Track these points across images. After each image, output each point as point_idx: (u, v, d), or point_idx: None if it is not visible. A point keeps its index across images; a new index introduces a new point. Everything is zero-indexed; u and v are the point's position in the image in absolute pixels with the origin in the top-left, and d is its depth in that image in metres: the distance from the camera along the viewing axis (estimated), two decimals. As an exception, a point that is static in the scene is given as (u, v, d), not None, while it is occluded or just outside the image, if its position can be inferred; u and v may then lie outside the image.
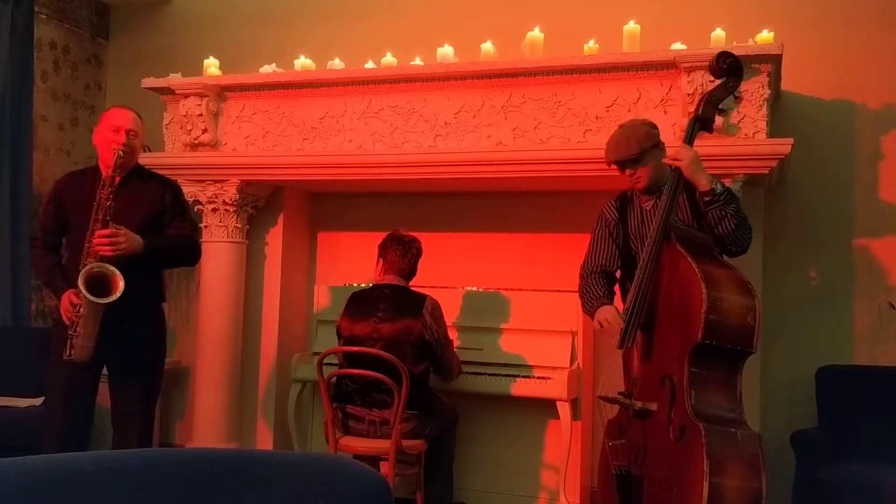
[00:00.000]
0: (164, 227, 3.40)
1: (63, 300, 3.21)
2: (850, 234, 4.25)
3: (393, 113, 4.21)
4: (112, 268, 3.08)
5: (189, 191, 4.56)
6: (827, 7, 4.32)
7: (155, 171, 3.77)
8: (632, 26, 3.94)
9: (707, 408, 2.72)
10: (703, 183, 2.98)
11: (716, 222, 2.97)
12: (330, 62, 4.52)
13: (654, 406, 2.85)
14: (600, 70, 3.86)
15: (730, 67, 3.05)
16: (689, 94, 3.62)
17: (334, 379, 3.79)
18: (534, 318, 4.14)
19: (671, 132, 3.68)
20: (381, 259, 3.90)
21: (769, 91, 3.65)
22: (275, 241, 4.78)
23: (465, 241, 4.64)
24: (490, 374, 4.09)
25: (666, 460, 2.77)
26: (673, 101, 3.77)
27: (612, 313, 3.07)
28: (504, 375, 4.07)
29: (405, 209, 4.71)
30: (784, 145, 3.58)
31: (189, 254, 3.51)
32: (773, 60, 3.64)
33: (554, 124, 3.94)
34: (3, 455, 1.62)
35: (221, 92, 4.51)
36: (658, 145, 3.12)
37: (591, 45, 4.03)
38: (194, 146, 4.53)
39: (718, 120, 3.37)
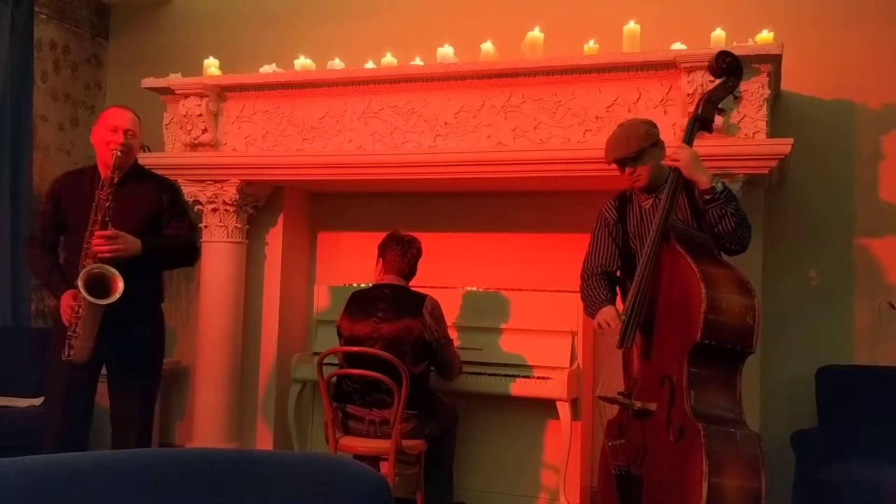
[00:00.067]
0: (163, 227, 3.39)
1: (62, 301, 3.21)
2: (850, 234, 4.25)
3: (393, 113, 4.21)
4: (112, 269, 3.08)
5: (189, 191, 4.57)
6: (827, 7, 4.32)
7: (154, 171, 3.77)
8: (632, 26, 3.94)
9: (706, 408, 2.72)
10: (703, 181, 2.98)
11: (715, 221, 2.98)
12: (330, 62, 4.52)
13: (653, 406, 2.85)
14: (600, 70, 3.86)
15: (729, 67, 3.06)
16: (689, 94, 3.62)
17: (334, 379, 3.79)
18: (534, 318, 4.14)
19: (671, 132, 3.67)
20: (380, 259, 3.90)
21: (769, 91, 3.65)
22: (275, 241, 4.78)
23: (465, 241, 4.64)
24: (490, 374, 4.09)
25: (665, 460, 2.78)
26: (673, 101, 3.77)
27: (612, 314, 3.07)
28: (504, 375, 4.07)
29: (405, 209, 4.71)
30: (784, 145, 3.58)
31: (187, 254, 3.51)
32: (772, 60, 3.64)
33: (554, 124, 3.94)
34: (3, 455, 1.62)
35: (221, 92, 4.51)
36: (658, 144, 3.13)
37: (591, 45, 4.03)
38: (194, 146, 4.53)
39: (718, 120, 3.37)
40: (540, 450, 4.20)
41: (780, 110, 4.25)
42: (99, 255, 3.10)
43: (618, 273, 3.28)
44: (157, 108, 4.69)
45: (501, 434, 4.25)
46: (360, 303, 3.82)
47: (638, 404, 2.90)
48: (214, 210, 4.56)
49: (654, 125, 3.18)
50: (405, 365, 3.54)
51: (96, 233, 3.12)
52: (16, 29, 4.91)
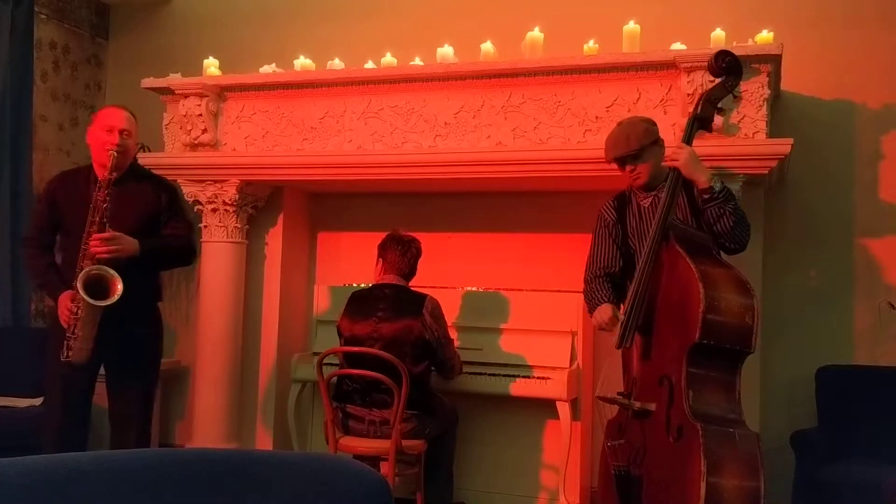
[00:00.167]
0: (161, 227, 3.39)
1: (60, 303, 3.20)
2: (850, 234, 4.25)
3: (393, 113, 4.21)
4: (111, 270, 3.07)
5: (189, 191, 4.57)
6: (827, 7, 4.32)
7: (154, 171, 3.77)
8: (632, 26, 3.94)
9: (705, 408, 2.73)
10: (702, 180, 2.99)
11: (714, 220, 2.98)
12: (330, 62, 4.52)
13: (652, 406, 2.85)
14: (600, 70, 3.86)
15: (728, 66, 3.06)
16: (688, 95, 3.62)
17: (334, 379, 3.79)
18: (533, 318, 4.14)
19: (671, 132, 3.67)
20: (380, 259, 3.90)
21: (769, 91, 3.65)
22: (275, 241, 4.77)
23: (465, 241, 4.64)
24: (490, 375, 4.09)
25: (664, 460, 2.78)
26: (673, 101, 3.77)
27: (608, 314, 3.07)
28: (504, 375, 4.07)
29: (405, 209, 4.71)
30: (784, 145, 3.58)
31: (185, 254, 3.50)
32: (772, 60, 3.64)
33: (554, 124, 3.94)
34: (3, 455, 1.62)
35: (221, 92, 4.51)
36: (657, 142, 3.13)
37: (590, 45, 4.03)
38: (194, 146, 4.53)
39: (718, 120, 3.37)
40: (540, 450, 4.20)
41: (780, 110, 4.25)
42: (97, 256, 3.09)
43: (619, 273, 3.28)
44: (157, 108, 4.69)
45: (501, 434, 4.25)
46: (360, 303, 3.82)
47: (637, 404, 2.91)
48: (214, 210, 4.56)
49: (653, 123, 3.18)
50: (405, 365, 3.54)
51: (94, 234, 3.11)
52: (16, 29, 4.91)
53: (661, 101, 3.79)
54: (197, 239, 4.01)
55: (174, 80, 4.50)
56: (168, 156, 4.61)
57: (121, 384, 3.36)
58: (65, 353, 3.10)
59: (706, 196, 2.99)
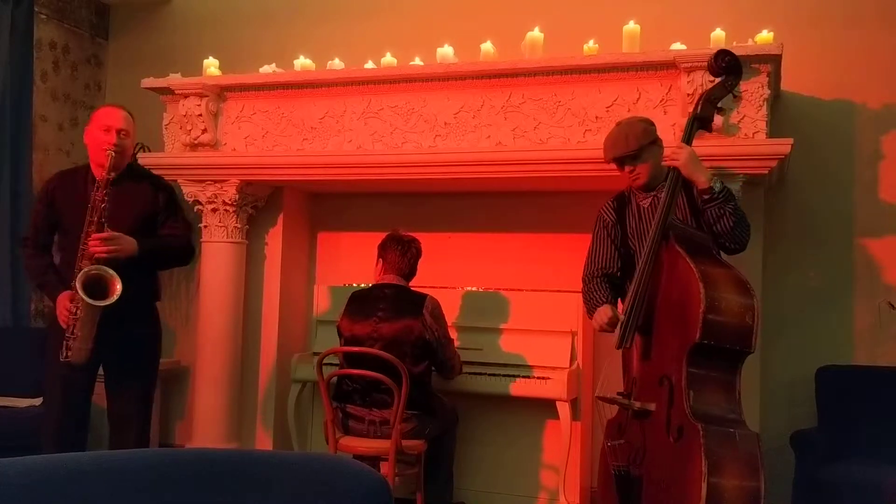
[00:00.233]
0: (159, 227, 3.39)
1: (58, 303, 3.20)
2: (850, 234, 4.25)
3: (393, 113, 4.21)
4: (110, 270, 3.07)
5: (189, 191, 4.58)
6: (827, 7, 4.32)
7: (154, 171, 3.76)
8: (631, 26, 3.94)
9: (705, 408, 2.72)
10: (701, 181, 2.98)
11: (714, 220, 2.98)
12: (330, 62, 4.52)
13: (652, 406, 2.85)
14: (600, 70, 3.86)
15: (728, 66, 3.06)
16: (688, 95, 3.62)
17: (334, 379, 3.79)
18: (533, 318, 4.14)
19: (671, 132, 3.68)
20: (380, 259, 3.90)
21: (769, 91, 3.65)
22: (274, 241, 4.77)
23: (465, 241, 4.64)
24: (490, 375, 4.09)
25: (665, 460, 2.78)
26: (673, 102, 3.77)
27: (608, 315, 3.06)
28: (504, 375, 4.07)
29: (405, 209, 4.71)
30: (784, 145, 3.58)
31: (183, 254, 3.50)
32: (772, 60, 3.64)
33: (554, 124, 3.94)
34: (3, 455, 1.62)
35: (221, 92, 4.51)
36: (656, 141, 3.13)
37: (590, 45, 4.03)
38: (194, 146, 4.53)
39: (718, 120, 3.37)
40: (540, 450, 4.20)
41: (780, 110, 4.25)
42: (96, 256, 3.09)
43: (618, 274, 3.28)
44: (157, 108, 4.69)
45: (501, 434, 4.25)
46: (360, 303, 3.82)
47: (637, 404, 2.90)
48: (214, 210, 4.56)
49: (651, 123, 3.18)
50: (405, 365, 3.54)
51: (93, 234, 3.11)
52: (16, 29, 4.91)
53: (661, 101, 3.79)
54: (195, 239, 4.01)
55: (174, 80, 4.50)
56: (168, 156, 4.61)
57: (120, 384, 3.35)
58: (64, 354, 3.10)
59: (706, 196, 2.98)
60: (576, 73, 3.90)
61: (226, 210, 4.55)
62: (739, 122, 3.65)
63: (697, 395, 2.73)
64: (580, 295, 3.38)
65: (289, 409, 4.48)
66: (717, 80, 3.12)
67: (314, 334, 4.62)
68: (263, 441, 4.67)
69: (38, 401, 4.20)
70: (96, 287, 3.06)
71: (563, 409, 3.94)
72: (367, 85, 4.25)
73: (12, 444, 3.20)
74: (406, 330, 3.67)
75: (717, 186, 2.99)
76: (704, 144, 3.39)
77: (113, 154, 3.20)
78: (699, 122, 3.09)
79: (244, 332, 4.66)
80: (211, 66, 4.64)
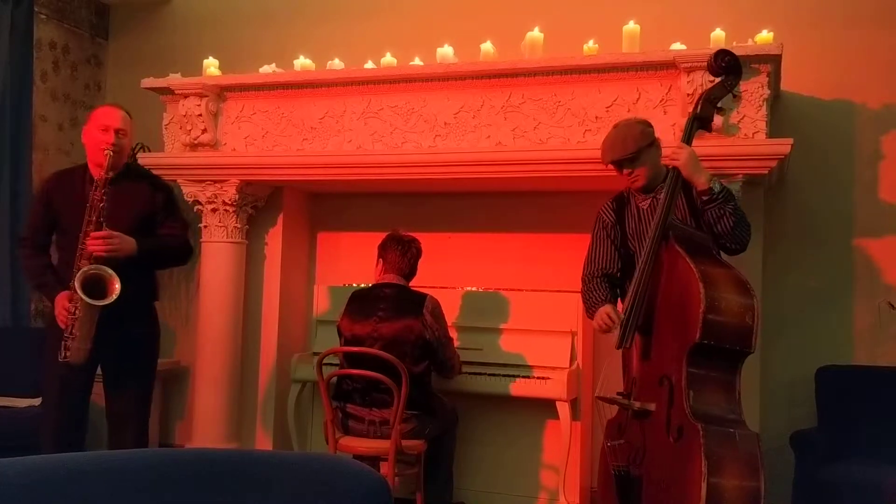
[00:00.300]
0: (157, 227, 3.39)
1: (56, 303, 3.19)
2: (850, 234, 4.25)
3: (392, 113, 4.21)
4: (108, 270, 3.06)
5: (189, 191, 4.58)
6: (827, 7, 4.32)
7: (153, 171, 3.76)
8: (631, 26, 3.94)
9: (705, 408, 2.72)
10: (701, 182, 2.98)
11: (714, 221, 2.97)
12: (330, 62, 4.52)
13: (652, 406, 2.85)
14: (600, 70, 3.86)
15: (728, 65, 3.06)
16: (688, 95, 3.61)
17: (335, 378, 3.79)
18: (533, 318, 4.14)
19: (671, 132, 3.68)
20: (380, 259, 3.90)
21: (769, 91, 3.65)
22: (274, 241, 4.77)
23: (465, 241, 4.64)
24: (490, 375, 4.09)
25: (665, 460, 2.78)
26: (673, 102, 3.77)
27: (610, 311, 3.06)
28: (504, 375, 4.07)
29: (405, 209, 4.71)
30: (784, 145, 3.58)
31: (182, 254, 3.50)
32: (772, 60, 3.64)
33: (553, 124, 3.94)
34: (3, 455, 1.62)
35: (221, 92, 4.51)
36: (654, 143, 3.12)
37: (590, 45, 4.03)
38: (194, 146, 4.53)
39: (718, 120, 3.37)
40: (540, 450, 4.20)
41: (780, 110, 4.25)
42: (95, 254, 3.09)
43: (618, 275, 3.28)
44: (157, 108, 4.69)
45: (501, 434, 4.25)
46: (360, 302, 3.82)
47: (637, 404, 2.90)
48: (214, 210, 4.55)
49: (649, 124, 3.17)
50: (406, 365, 3.54)
51: (91, 234, 3.11)
52: (16, 29, 4.91)
53: (660, 102, 3.79)
54: (194, 238, 4.01)
55: (174, 80, 4.50)
56: (168, 156, 4.61)
57: (118, 384, 3.35)
58: (62, 354, 3.08)
59: (705, 197, 2.98)
60: (576, 73, 3.90)
61: (226, 210, 4.55)
62: (739, 122, 3.65)
63: (697, 395, 2.73)
64: (580, 295, 3.38)
65: (289, 409, 4.48)
66: (717, 80, 3.12)
67: (314, 334, 4.62)
68: (263, 441, 4.67)
69: (37, 401, 4.19)
70: (95, 287, 3.05)
71: (563, 409, 3.94)
72: (366, 85, 4.26)
73: (12, 444, 3.20)
74: (406, 330, 3.67)
75: (717, 187, 2.98)
76: (704, 144, 3.38)
77: (111, 154, 3.20)
78: (699, 122, 3.08)
79: (244, 332, 4.66)
80: (211, 66, 4.64)
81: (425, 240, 3.96)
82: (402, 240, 3.87)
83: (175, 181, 4.49)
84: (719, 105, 3.13)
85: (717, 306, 2.71)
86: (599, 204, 3.34)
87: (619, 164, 3.10)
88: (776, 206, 4.27)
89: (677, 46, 3.80)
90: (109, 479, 1.63)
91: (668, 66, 3.72)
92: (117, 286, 3.04)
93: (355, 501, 1.69)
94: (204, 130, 4.48)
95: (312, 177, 4.42)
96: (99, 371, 3.36)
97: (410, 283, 3.87)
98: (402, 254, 3.84)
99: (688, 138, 3.06)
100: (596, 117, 3.87)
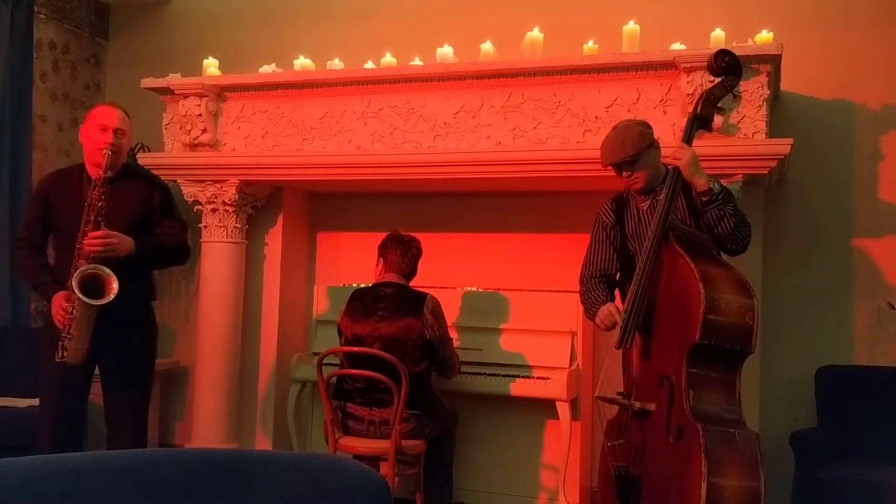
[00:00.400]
0: (154, 227, 3.38)
1: (54, 303, 3.18)
2: (850, 234, 4.25)
3: (392, 113, 4.21)
4: (106, 269, 3.06)
5: (188, 191, 4.58)
6: (827, 7, 4.32)
7: (152, 170, 3.75)
8: (631, 26, 3.94)
9: (705, 408, 2.72)
10: (701, 183, 2.98)
11: (715, 222, 2.97)
12: (329, 62, 4.52)
13: (652, 406, 2.85)
14: (600, 70, 3.86)
15: (728, 66, 3.05)
16: (688, 95, 3.62)
17: (334, 378, 3.79)
18: (533, 319, 4.14)
19: (671, 132, 3.68)
20: (381, 259, 3.90)
21: (769, 91, 3.65)
22: (274, 241, 4.77)
23: (465, 241, 4.64)
24: (490, 375, 4.09)
25: (664, 461, 2.77)
26: (672, 102, 3.77)
27: (613, 309, 3.05)
28: (503, 375, 4.07)
29: (405, 209, 4.71)
30: (783, 145, 3.58)
31: (179, 254, 3.49)
32: (772, 60, 3.64)
33: (553, 124, 3.94)
34: (3, 455, 1.62)
35: (221, 92, 4.51)
36: (653, 145, 3.11)
37: (590, 45, 4.03)
38: (194, 146, 4.53)
39: (718, 120, 3.37)
40: (539, 450, 4.20)
41: (780, 110, 4.25)
42: (92, 253, 3.08)
43: (617, 276, 3.28)
44: (157, 108, 4.69)
45: (501, 434, 4.25)
46: (360, 302, 3.82)
47: (637, 404, 2.90)
48: (214, 210, 4.55)
49: (648, 126, 3.16)
50: (406, 364, 3.54)
51: (89, 233, 3.10)
52: (15, 29, 4.91)
53: (660, 102, 3.79)
54: (192, 238, 4.00)
55: (174, 80, 4.50)
56: (168, 156, 4.61)
57: (116, 384, 3.34)
58: (59, 354, 3.07)
59: (705, 198, 2.97)
60: (575, 73, 3.90)
61: (225, 210, 4.55)
62: (739, 122, 3.65)
63: (697, 395, 2.73)
64: (579, 297, 3.37)
65: (288, 409, 4.48)
66: (717, 80, 3.11)
67: (314, 334, 4.62)
68: (263, 441, 4.67)
69: (37, 401, 4.19)
70: (93, 286, 3.04)
71: (563, 409, 3.94)
72: (366, 85, 4.26)
73: (12, 444, 3.20)
74: (406, 329, 3.67)
75: (717, 188, 2.98)
76: (704, 144, 3.38)
77: (110, 153, 3.19)
78: (699, 123, 3.08)
79: (244, 332, 4.66)
80: (210, 66, 4.64)
81: (425, 240, 3.96)
82: (402, 239, 3.87)
83: (175, 181, 4.50)
84: (719, 105, 3.13)
85: (717, 306, 2.71)
86: (599, 204, 3.33)
87: (619, 167, 3.10)
88: (776, 206, 4.27)
89: (677, 46, 3.80)
90: (109, 479, 1.62)
91: (668, 66, 3.72)
92: (115, 286, 3.04)
93: (355, 501, 1.69)
94: (204, 130, 4.48)
95: (312, 177, 4.42)
96: (97, 371, 3.36)
97: (411, 283, 3.87)
98: (402, 253, 3.84)
99: (688, 138, 3.06)
100: (596, 117, 3.87)
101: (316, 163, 4.34)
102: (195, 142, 4.51)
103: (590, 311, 3.21)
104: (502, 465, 4.23)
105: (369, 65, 4.42)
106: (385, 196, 4.78)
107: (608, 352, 3.33)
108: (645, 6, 4.31)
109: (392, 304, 3.74)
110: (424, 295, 3.77)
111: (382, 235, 3.94)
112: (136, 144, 4.82)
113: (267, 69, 4.56)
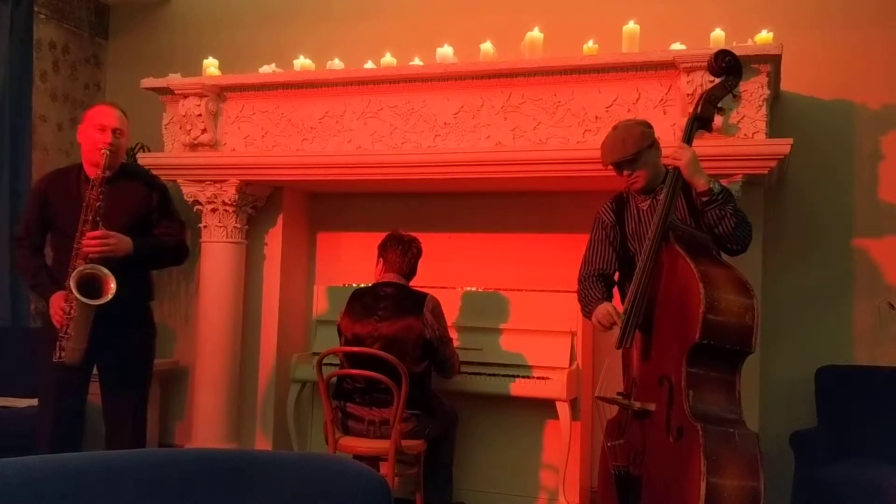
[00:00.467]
0: (153, 226, 3.38)
1: (52, 303, 3.17)
2: (850, 234, 4.25)
3: (392, 113, 4.21)
4: (104, 269, 3.05)
5: (188, 191, 4.58)
6: (827, 7, 4.32)
7: (152, 170, 3.75)
8: (631, 26, 3.94)
9: (705, 408, 2.72)
10: (701, 183, 2.98)
11: (715, 222, 2.97)
12: (329, 62, 4.52)
13: (652, 406, 2.85)
14: (600, 70, 3.86)
15: (728, 66, 3.05)
16: (688, 95, 3.62)
17: (334, 378, 3.79)
18: (533, 319, 4.14)
19: (671, 132, 3.68)
20: (381, 259, 3.90)
21: (769, 91, 3.65)
22: (274, 241, 4.77)
23: (465, 241, 4.64)
24: (489, 375, 4.09)
25: (664, 460, 2.77)
26: (672, 102, 3.77)
27: (609, 309, 3.06)
28: (503, 375, 4.07)
29: (405, 209, 4.71)
30: (783, 145, 3.58)
31: (177, 254, 3.49)
32: (772, 60, 3.64)
33: (553, 124, 3.94)
34: (3, 455, 1.62)
35: (221, 92, 4.51)
36: (653, 144, 3.12)
37: (590, 45, 4.03)
38: (193, 146, 4.53)
39: (718, 120, 3.37)
40: (539, 450, 4.20)
41: (780, 110, 4.25)
42: (90, 254, 3.08)
43: (616, 276, 3.27)
44: (157, 108, 4.69)
45: (501, 434, 4.25)
46: (361, 302, 3.82)
47: (637, 404, 2.90)
48: (214, 210, 4.55)
49: (648, 125, 3.16)
50: (406, 364, 3.54)
51: (88, 233, 3.10)
52: (15, 29, 4.90)
53: (660, 102, 3.79)
54: (191, 238, 4.00)
55: (174, 80, 4.50)
56: (168, 156, 4.61)
57: (114, 385, 3.34)
58: (57, 354, 3.06)
59: (705, 198, 2.97)
60: (575, 73, 3.90)
61: (225, 210, 4.55)
62: (739, 122, 3.65)
63: (697, 395, 2.73)
64: (577, 296, 3.37)
65: (288, 409, 4.48)
66: (717, 80, 3.11)
67: (314, 334, 4.62)
68: (263, 441, 4.67)
69: (37, 401, 4.19)
70: (91, 286, 3.04)
71: (563, 409, 3.94)
72: (366, 85, 4.26)
73: (12, 444, 3.19)
74: (407, 329, 3.67)
75: (717, 188, 2.98)
76: (704, 145, 3.38)
77: (108, 153, 3.18)
78: (699, 123, 3.08)
79: (244, 332, 4.66)
80: (210, 66, 4.64)
81: (425, 240, 3.95)
82: (402, 239, 3.87)
83: (175, 181, 4.50)
84: (719, 105, 3.13)
85: (717, 306, 2.71)
86: (599, 204, 3.33)
87: (619, 166, 3.10)
88: (776, 206, 4.27)
89: (677, 46, 3.80)
90: (109, 479, 1.62)
91: (668, 66, 3.72)
92: (113, 286, 3.03)
93: (355, 501, 1.69)
94: (204, 130, 4.48)
95: (312, 177, 4.42)
96: (95, 371, 3.36)
97: (411, 283, 3.87)
98: (402, 253, 3.84)
99: (688, 138, 3.06)
100: (596, 117, 3.87)
101: (316, 163, 4.34)
102: (195, 142, 4.51)
103: (586, 309, 3.21)
104: (502, 465, 4.23)
105: (369, 65, 4.42)
106: (385, 196, 4.78)
107: (608, 352, 3.33)
108: (645, 6, 4.31)
109: (392, 304, 3.74)
110: (424, 295, 3.77)
111: (382, 235, 3.94)
112: (136, 144, 4.83)
113: (267, 69, 4.56)
